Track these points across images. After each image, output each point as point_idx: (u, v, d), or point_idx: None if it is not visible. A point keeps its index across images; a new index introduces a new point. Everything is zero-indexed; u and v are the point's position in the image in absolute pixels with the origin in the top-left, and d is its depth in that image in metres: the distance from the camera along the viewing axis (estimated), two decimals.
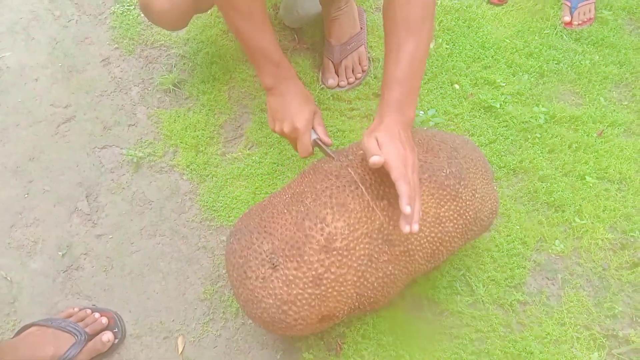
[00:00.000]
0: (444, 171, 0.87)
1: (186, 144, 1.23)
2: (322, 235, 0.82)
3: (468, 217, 0.90)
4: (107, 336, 1.00)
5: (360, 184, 0.84)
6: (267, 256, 0.83)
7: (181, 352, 1.02)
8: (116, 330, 1.02)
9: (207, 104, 1.28)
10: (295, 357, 1.01)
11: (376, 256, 0.84)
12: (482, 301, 1.05)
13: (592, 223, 1.13)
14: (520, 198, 1.16)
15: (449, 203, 0.87)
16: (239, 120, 1.28)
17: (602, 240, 1.11)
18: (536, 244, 1.11)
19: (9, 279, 1.09)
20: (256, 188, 1.18)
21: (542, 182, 1.17)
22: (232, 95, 1.30)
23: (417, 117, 1.20)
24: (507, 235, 1.11)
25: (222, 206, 1.16)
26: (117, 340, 1.02)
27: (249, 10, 0.91)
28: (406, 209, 0.74)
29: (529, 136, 1.23)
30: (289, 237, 0.83)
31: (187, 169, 1.21)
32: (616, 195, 1.16)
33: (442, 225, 0.87)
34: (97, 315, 1.03)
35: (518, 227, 1.12)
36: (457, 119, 1.26)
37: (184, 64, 1.34)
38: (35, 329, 1.00)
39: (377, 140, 0.80)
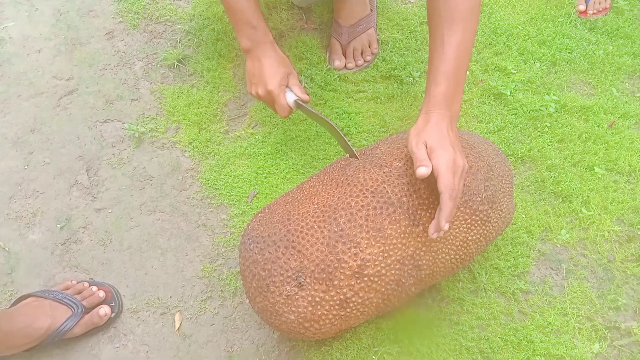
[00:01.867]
0: (480, 196, 0.84)
1: (189, 120, 1.21)
2: (355, 261, 0.79)
3: (491, 238, 0.89)
4: (104, 310, 0.99)
5: (398, 207, 0.80)
6: (293, 274, 0.79)
7: (178, 329, 1.01)
8: (113, 304, 1.01)
9: (212, 81, 1.26)
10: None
11: (403, 280, 0.82)
12: (484, 289, 1.03)
13: (599, 215, 1.11)
14: (527, 187, 1.14)
15: (478, 227, 0.85)
16: (243, 99, 1.26)
17: (608, 232, 1.09)
18: (541, 233, 1.09)
19: (7, 249, 1.08)
20: (258, 167, 1.16)
21: (550, 171, 1.15)
22: (237, 73, 1.28)
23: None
24: (513, 224, 1.09)
25: (223, 184, 1.15)
26: (114, 315, 1.01)
27: None
28: (445, 226, 0.74)
29: (539, 125, 1.21)
30: (320, 259, 0.79)
31: (189, 146, 1.19)
32: (625, 187, 1.14)
33: (467, 247, 0.86)
34: (94, 288, 1.01)
35: (524, 216, 1.10)
36: (466, 105, 1.24)
37: (189, 39, 1.31)
38: (32, 299, 0.99)
39: (425, 145, 0.77)
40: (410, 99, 1.23)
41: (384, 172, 0.83)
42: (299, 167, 1.16)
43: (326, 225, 0.80)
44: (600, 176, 1.15)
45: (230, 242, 1.09)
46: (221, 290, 1.05)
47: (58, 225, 1.11)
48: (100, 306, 1.00)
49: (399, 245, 0.80)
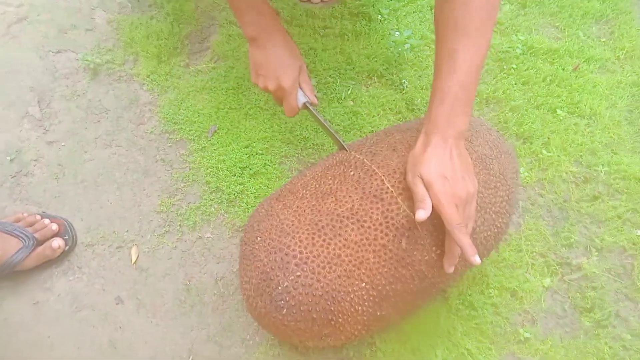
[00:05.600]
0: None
1: (147, 52, 1.16)
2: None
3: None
4: (57, 242, 0.97)
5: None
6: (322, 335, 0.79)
7: (134, 262, 1.00)
8: (66, 237, 0.99)
9: (172, 12, 1.20)
10: None
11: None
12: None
13: (559, 156, 1.12)
14: None
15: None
16: (205, 32, 1.20)
17: (566, 173, 1.11)
18: None
19: None
20: (219, 102, 1.13)
21: (513, 112, 1.15)
22: (200, 6, 1.22)
23: (392, 37, 1.15)
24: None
25: (183, 119, 1.11)
26: (67, 247, 0.98)
27: None
28: (449, 269, 0.75)
29: (505, 66, 1.20)
30: (352, 333, 0.79)
31: (148, 79, 1.14)
32: (584, 130, 1.15)
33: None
34: (47, 221, 0.98)
35: None
36: (434, 45, 1.21)
37: None
38: None
39: (422, 179, 0.70)
40: (378, 37, 1.20)
41: (430, 256, 0.76)
42: (261, 104, 1.13)
43: (369, 310, 0.76)
44: (561, 118, 1.15)
45: (190, 177, 1.07)
46: (179, 225, 1.03)
47: (8, 158, 1.06)
48: (53, 239, 0.97)
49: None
